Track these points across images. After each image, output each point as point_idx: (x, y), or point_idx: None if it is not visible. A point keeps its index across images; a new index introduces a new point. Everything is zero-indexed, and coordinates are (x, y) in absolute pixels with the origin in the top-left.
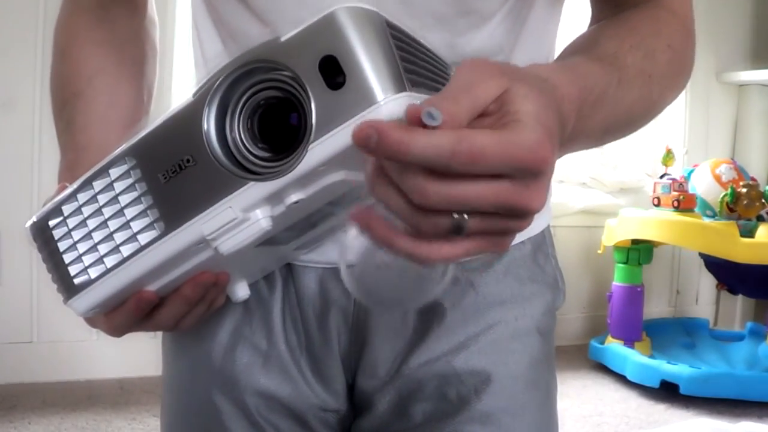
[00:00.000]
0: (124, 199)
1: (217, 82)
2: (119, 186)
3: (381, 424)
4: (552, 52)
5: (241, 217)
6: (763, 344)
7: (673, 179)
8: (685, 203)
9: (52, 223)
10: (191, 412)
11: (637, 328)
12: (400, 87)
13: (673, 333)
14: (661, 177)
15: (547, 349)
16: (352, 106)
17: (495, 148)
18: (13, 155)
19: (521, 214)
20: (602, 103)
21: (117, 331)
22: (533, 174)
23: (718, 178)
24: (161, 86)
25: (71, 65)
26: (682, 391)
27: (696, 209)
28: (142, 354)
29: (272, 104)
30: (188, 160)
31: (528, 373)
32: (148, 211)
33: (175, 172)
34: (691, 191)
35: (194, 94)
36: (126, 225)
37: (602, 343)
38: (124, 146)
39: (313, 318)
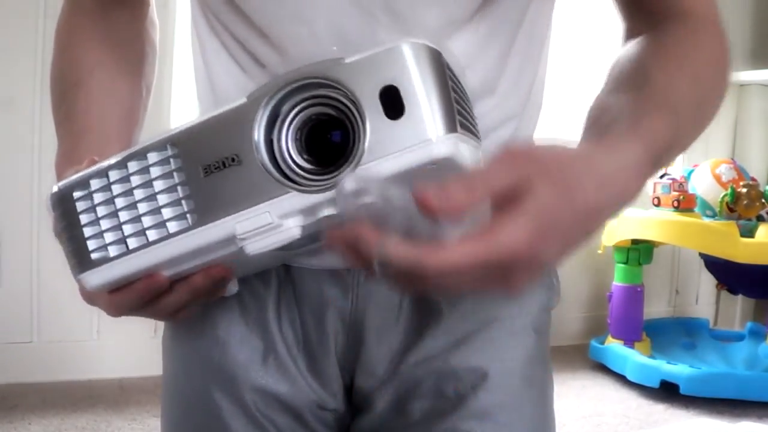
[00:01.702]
0: (159, 185)
1: (275, 91)
2: (156, 171)
3: (380, 423)
4: (545, 54)
5: (275, 222)
6: (763, 344)
7: (673, 179)
8: (685, 203)
9: (76, 194)
10: (191, 410)
11: (637, 328)
12: (452, 127)
13: (673, 333)
14: (661, 177)
15: (542, 347)
16: (405, 138)
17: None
18: (13, 155)
19: (502, 293)
20: (669, 151)
21: (117, 310)
22: (506, 268)
23: (718, 178)
24: (161, 86)
25: (71, 59)
26: (682, 391)
27: (696, 209)
28: (142, 354)
29: (322, 120)
30: (233, 159)
31: (524, 370)
32: (183, 201)
33: (217, 168)
34: (691, 191)
35: (248, 97)
36: (157, 210)
37: (602, 343)
38: (166, 133)
39: (310, 317)
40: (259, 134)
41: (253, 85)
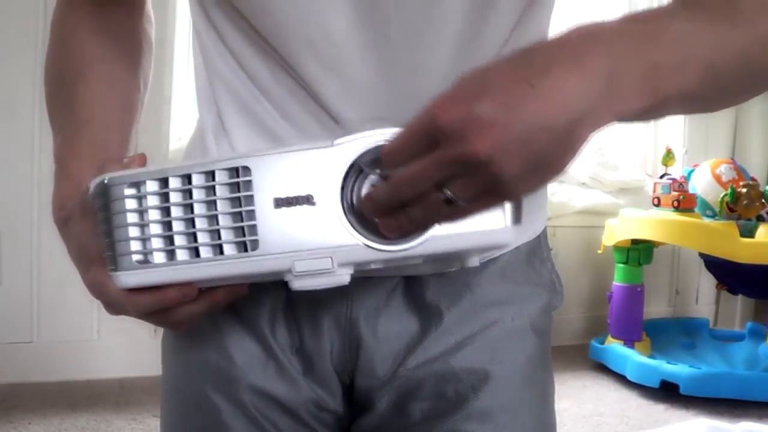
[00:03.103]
0: (224, 206)
1: (365, 146)
2: (223, 191)
3: (380, 423)
4: None
5: (333, 269)
6: (763, 344)
7: (673, 179)
8: (685, 203)
9: (128, 191)
10: (190, 411)
11: (637, 328)
12: (519, 219)
13: (673, 333)
14: (661, 177)
15: (543, 348)
16: (479, 219)
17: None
18: (13, 156)
19: (478, 165)
20: (676, 41)
21: (139, 309)
22: (443, 133)
23: (718, 178)
24: (162, 86)
25: (69, 52)
26: (682, 391)
27: (696, 209)
28: (142, 354)
29: None
30: (308, 199)
31: (525, 371)
32: (246, 228)
33: (290, 204)
34: (691, 191)
35: (335, 143)
36: (215, 230)
37: (602, 343)
38: (241, 155)
39: (305, 321)
40: (338, 182)
41: (257, 92)
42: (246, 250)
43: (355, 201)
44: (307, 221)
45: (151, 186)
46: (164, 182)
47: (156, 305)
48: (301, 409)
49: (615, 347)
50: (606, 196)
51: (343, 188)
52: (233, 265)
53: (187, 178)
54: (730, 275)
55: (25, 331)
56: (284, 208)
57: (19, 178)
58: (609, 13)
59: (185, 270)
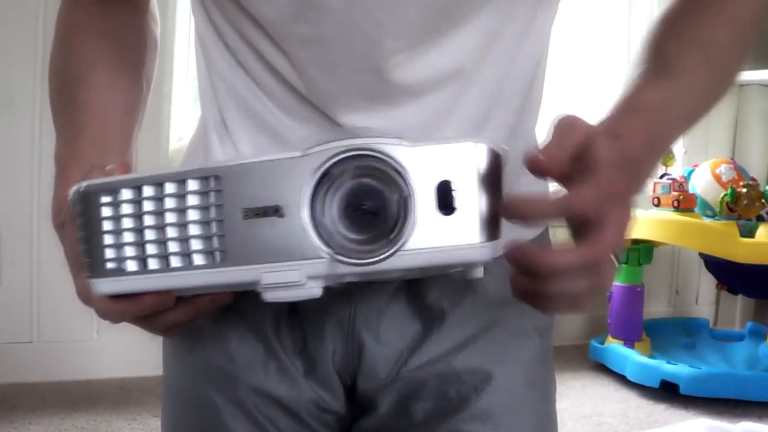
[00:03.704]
0: (193, 215)
1: (334, 154)
2: (193, 200)
3: (382, 424)
4: (545, 51)
5: (302, 282)
6: (763, 344)
7: (673, 179)
8: (685, 203)
9: (104, 199)
10: (191, 411)
11: (637, 328)
12: (496, 235)
13: (673, 333)
14: (661, 177)
15: (545, 349)
16: (451, 236)
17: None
18: (13, 155)
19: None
20: (670, 117)
21: (115, 317)
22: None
23: (718, 178)
24: (161, 86)
25: (72, 52)
26: (682, 391)
27: (696, 209)
28: (142, 354)
29: (369, 191)
30: (276, 210)
31: (527, 371)
32: (215, 238)
33: (258, 215)
34: (691, 191)
35: (303, 152)
36: (185, 240)
37: (602, 343)
38: (212, 164)
39: (308, 323)
40: (307, 194)
41: (259, 91)
42: (214, 261)
43: (325, 212)
44: (275, 233)
45: (126, 194)
46: (139, 190)
47: (135, 313)
48: (302, 410)
49: (615, 347)
50: None
51: (313, 199)
52: (202, 275)
53: (160, 186)
54: (730, 275)
55: (25, 331)
56: (253, 219)
57: (19, 178)
58: (608, 13)
59: (157, 279)
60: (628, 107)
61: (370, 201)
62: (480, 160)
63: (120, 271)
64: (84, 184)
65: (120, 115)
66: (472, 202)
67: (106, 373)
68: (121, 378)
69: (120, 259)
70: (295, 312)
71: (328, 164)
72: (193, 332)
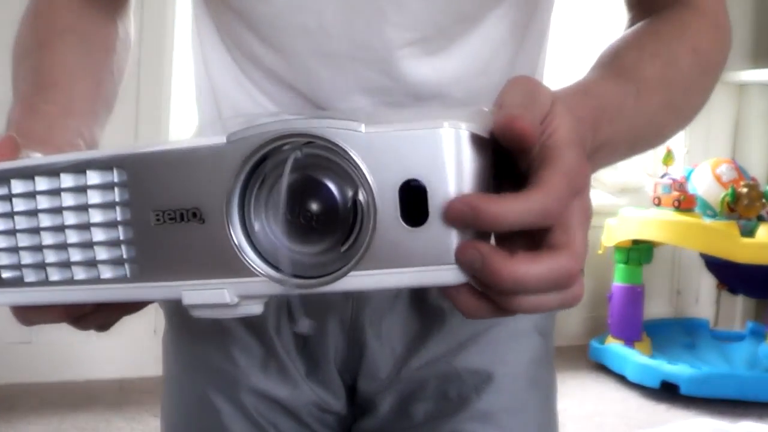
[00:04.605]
0: (96, 215)
1: (265, 142)
2: (94, 196)
3: (383, 424)
4: (544, 58)
5: (233, 301)
6: (763, 344)
7: (674, 179)
8: (685, 203)
9: None
10: (191, 412)
11: (637, 328)
12: None
13: (673, 333)
14: (662, 177)
15: (546, 349)
16: (420, 254)
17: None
18: None
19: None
20: (620, 118)
21: (30, 323)
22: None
23: (718, 178)
24: (161, 86)
25: (41, 21)
26: (682, 391)
27: (696, 209)
28: (142, 354)
29: (312, 188)
30: (194, 214)
31: (528, 372)
32: (123, 246)
33: (173, 219)
34: (691, 191)
35: (228, 138)
36: (89, 246)
37: (602, 343)
38: (116, 150)
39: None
40: (235, 193)
41: (253, 88)
42: (126, 275)
43: (257, 216)
44: (195, 242)
45: (17, 186)
46: (31, 181)
47: (47, 322)
48: (303, 411)
49: (615, 347)
50: (606, 196)
51: (243, 200)
52: (111, 292)
53: (56, 177)
54: (731, 275)
55: (24, 331)
56: (167, 224)
57: None
58: (608, 13)
59: (60, 293)
60: (580, 90)
61: (316, 201)
62: (461, 153)
63: (18, 281)
64: None
65: (85, 87)
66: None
67: (106, 373)
68: (121, 378)
69: (16, 267)
70: (296, 314)
71: (259, 154)
72: (193, 332)
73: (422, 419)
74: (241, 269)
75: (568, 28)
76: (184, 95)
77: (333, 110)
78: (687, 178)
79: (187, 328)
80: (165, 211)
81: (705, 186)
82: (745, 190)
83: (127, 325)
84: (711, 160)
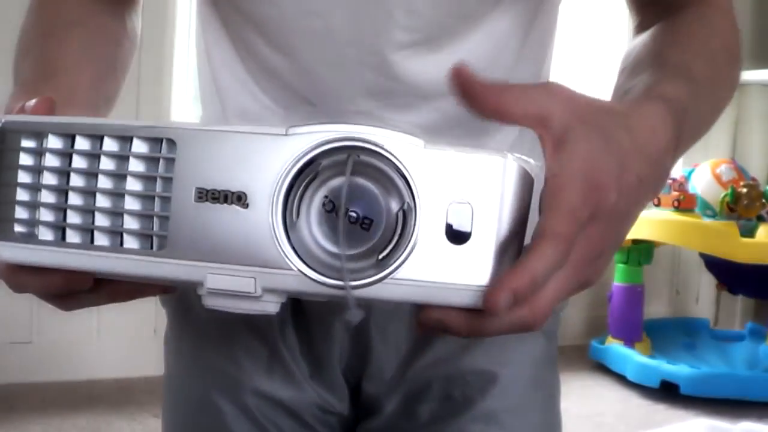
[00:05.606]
0: (134, 184)
1: (325, 141)
2: (136, 165)
3: (387, 425)
4: (550, 58)
5: (257, 294)
6: (763, 344)
7: (673, 179)
8: (685, 203)
9: (26, 143)
10: (194, 412)
11: (637, 328)
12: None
13: (673, 333)
14: None
15: (550, 350)
16: (458, 272)
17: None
18: None
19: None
20: (688, 119)
21: (20, 289)
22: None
23: (718, 178)
24: (161, 86)
25: (48, 12)
26: (682, 391)
27: (696, 209)
28: (142, 354)
29: (359, 193)
30: (239, 198)
31: (532, 373)
32: (156, 218)
33: (216, 199)
34: (691, 191)
35: (288, 130)
36: (118, 212)
37: (602, 343)
38: (167, 124)
39: (315, 324)
40: (285, 185)
41: (258, 90)
42: (151, 248)
43: (302, 212)
44: (232, 226)
45: (54, 142)
46: (71, 140)
47: (41, 290)
48: (306, 413)
49: (615, 347)
50: None
51: (289, 193)
52: (132, 263)
53: (99, 140)
54: (730, 275)
55: (25, 331)
56: (208, 203)
57: None
58: (609, 13)
59: (75, 256)
60: (653, 96)
61: (361, 207)
62: (508, 181)
63: (30, 237)
64: (3, 119)
65: (90, 79)
66: (490, 232)
67: (106, 373)
68: (121, 378)
69: (32, 222)
70: (301, 311)
71: (315, 151)
72: (196, 333)
73: (427, 420)
74: (274, 260)
75: (579, 30)
76: (184, 94)
77: (390, 119)
78: (687, 177)
79: (189, 328)
80: (210, 190)
81: (705, 186)
82: (744, 190)
83: (128, 325)
84: (711, 160)
